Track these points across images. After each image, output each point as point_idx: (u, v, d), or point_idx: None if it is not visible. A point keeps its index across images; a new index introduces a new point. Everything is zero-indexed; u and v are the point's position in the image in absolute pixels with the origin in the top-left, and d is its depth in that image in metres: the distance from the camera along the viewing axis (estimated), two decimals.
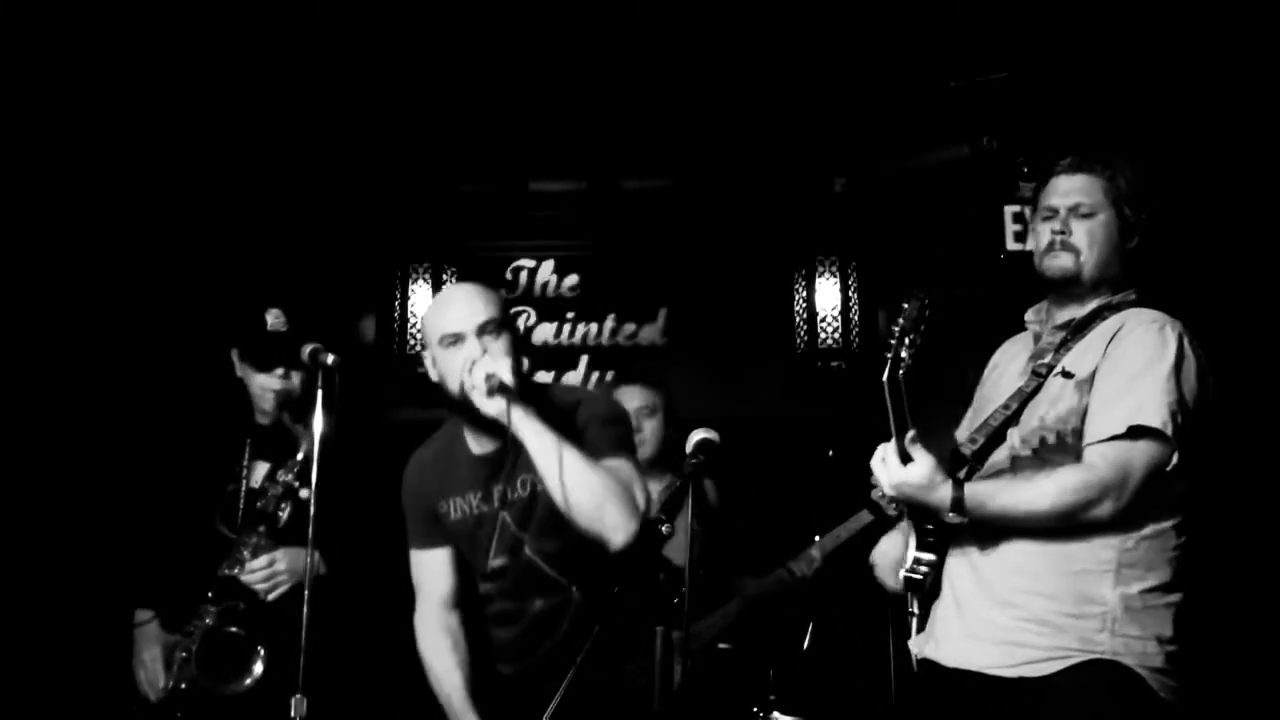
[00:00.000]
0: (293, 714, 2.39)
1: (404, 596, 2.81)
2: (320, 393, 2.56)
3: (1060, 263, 2.37)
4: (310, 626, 2.41)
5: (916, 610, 2.34)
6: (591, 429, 2.57)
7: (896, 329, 2.19)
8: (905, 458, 2.18)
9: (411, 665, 2.80)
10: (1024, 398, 2.33)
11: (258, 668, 2.96)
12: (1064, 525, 2.18)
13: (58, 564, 4.07)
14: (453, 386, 2.53)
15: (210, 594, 3.00)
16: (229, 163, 4.69)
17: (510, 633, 2.68)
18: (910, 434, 2.19)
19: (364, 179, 5.02)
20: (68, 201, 4.34)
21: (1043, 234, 2.42)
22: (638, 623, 2.48)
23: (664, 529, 2.31)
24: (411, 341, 5.11)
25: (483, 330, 2.52)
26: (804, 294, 5.13)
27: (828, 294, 5.08)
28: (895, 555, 2.45)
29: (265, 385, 3.11)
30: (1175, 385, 2.19)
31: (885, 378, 2.17)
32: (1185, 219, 4.18)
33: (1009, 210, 4.57)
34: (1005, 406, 2.35)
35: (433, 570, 2.74)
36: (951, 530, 2.28)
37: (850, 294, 5.10)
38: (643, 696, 2.63)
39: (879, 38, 4.20)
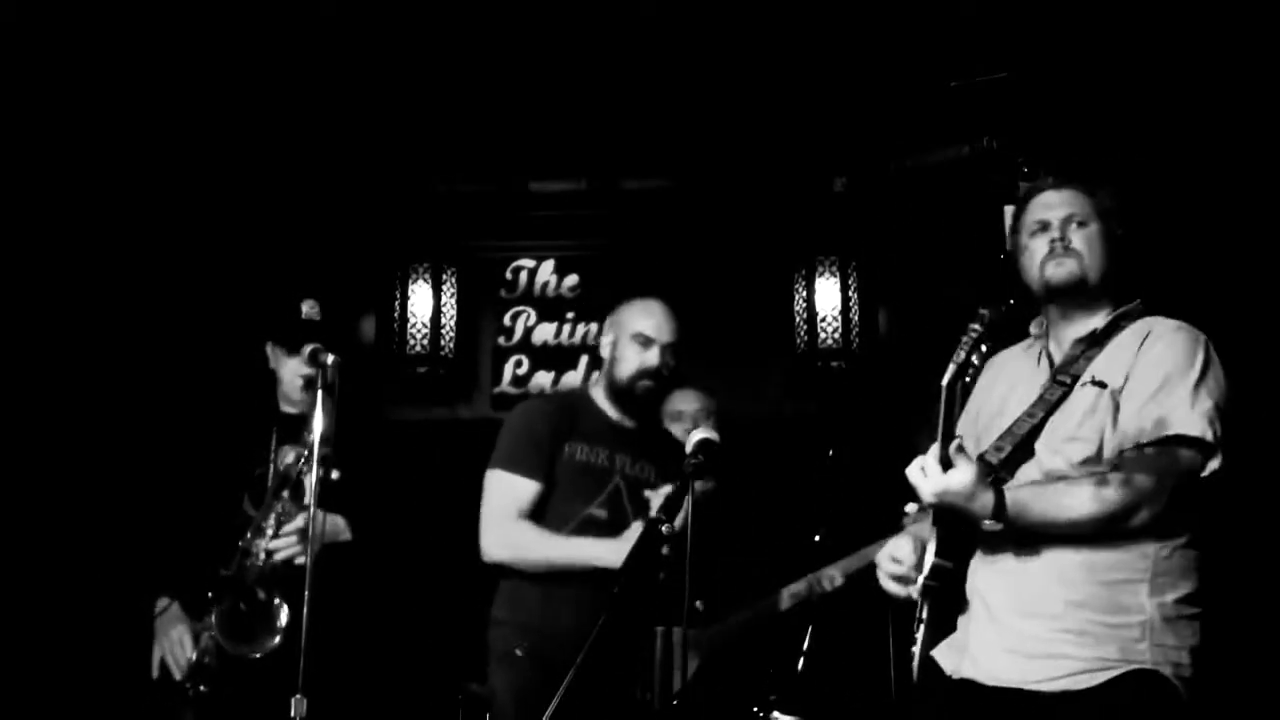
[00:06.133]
0: (293, 714, 2.40)
1: (402, 600, 2.81)
2: (320, 393, 2.57)
3: (1066, 268, 2.35)
4: (321, 599, 2.46)
5: (925, 617, 2.27)
6: None
7: (971, 337, 2.12)
8: (946, 465, 2.11)
9: (411, 662, 2.80)
10: (1049, 406, 2.28)
11: (282, 619, 2.94)
12: (1102, 533, 2.15)
13: (83, 554, 4.11)
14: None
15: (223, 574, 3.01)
16: (230, 163, 4.68)
17: (574, 590, 2.77)
18: (955, 442, 2.13)
19: (364, 179, 5.02)
20: (106, 218, 4.46)
21: (1039, 246, 2.39)
22: (641, 631, 2.48)
23: (664, 529, 2.33)
24: (411, 341, 5.10)
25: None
26: (804, 294, 5.11)
27: (828, 294, 5.07)
28: (906, 560, 2.36)
29: (296, 370, 3.14)
30: (1208, 391, 2.19)
31: (945, 382, 2.11)
32: (1184, 219, 4.19)
33: (1009, 210, 4.55)
34: (1030, 415, 2.29)
35: (524, 494, 2.87)
36: (975, 539, 2.23)
37: (850, 294, 5.08)
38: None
39: (879, 37, 4.20)
